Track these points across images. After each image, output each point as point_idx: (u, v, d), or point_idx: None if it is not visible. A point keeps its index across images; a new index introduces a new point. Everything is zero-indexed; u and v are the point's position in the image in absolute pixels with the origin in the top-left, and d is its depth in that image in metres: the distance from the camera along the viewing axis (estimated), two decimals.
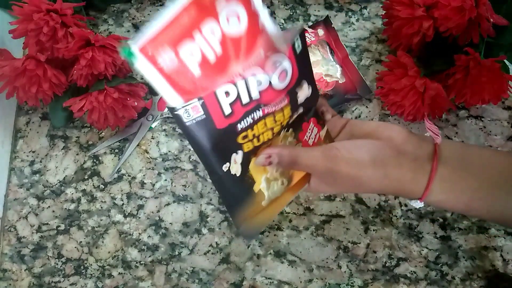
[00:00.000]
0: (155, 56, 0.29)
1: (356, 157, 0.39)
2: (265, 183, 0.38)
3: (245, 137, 0.35)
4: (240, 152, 0.36)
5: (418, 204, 0.40)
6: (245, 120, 0.34)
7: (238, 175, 0.36)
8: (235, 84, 0.32)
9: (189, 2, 0.29)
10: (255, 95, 0.33)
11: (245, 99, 0.33)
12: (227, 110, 0.32)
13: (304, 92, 0.36)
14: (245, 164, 0.36)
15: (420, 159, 0.40)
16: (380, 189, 0.40)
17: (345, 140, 0.41)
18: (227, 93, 0.32)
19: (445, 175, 0.39)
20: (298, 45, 0.34)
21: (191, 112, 0.31)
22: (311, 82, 0.37)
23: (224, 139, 0.34)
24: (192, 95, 0.31)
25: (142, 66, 0.29)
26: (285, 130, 0.38)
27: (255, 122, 0.35)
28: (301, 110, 0.38)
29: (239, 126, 0.34)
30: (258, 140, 0.36)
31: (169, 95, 0.30)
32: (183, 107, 0.31)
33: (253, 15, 0.31)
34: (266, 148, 0.37)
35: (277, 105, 0.35)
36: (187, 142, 0.60)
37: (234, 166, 0.36)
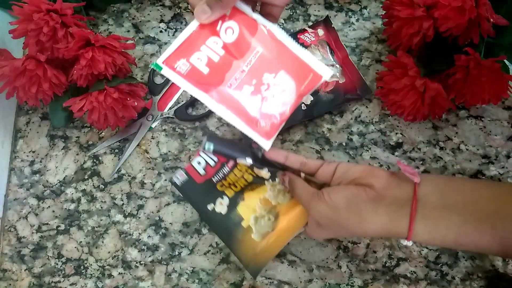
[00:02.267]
0: (173, 65, 0.42)
1: (333, 201, 0.42)
2: (253, 220, 0.49)
3: (222, 185, 0.50)
4: (225, 197, 0.50)
5: (407, 243, 0.41)
6: (216, 175, 0.50)
7: (223, 213, 0.49)
8: (201, 156, 0.51)
9: (196, 27, 0.42)
10: (215, 160, 0.51)
11: (211, 163, 0.51)
12: (201, 172, 0.51)
13: (243, 161, 0.48)
14: (232, 205, 0.49)
15: (399, 201, 0.41)
16: (362, 232, 0.43)
17: (330, 187, 0.45)
18: (199, 163, 0.51)
19: (427, 214, 0.40)
20: (209, 147, 0.47)
21: (180, 177, 0.51)
22: (243, 155, 0.48)
23: (206, 189, 0.50)
24: (208, 86, 0.42)
25: (166, 73, 0.42)
26: (273, 180, 0.50)
27: (226, 174, 0.50)
28: (264, 167, 0.49)
29: (214, 179, 0.50)
30: (236, 186, 0.50)
31: (190, 90, 0.42)
32: (174, 177, 0.51)
33: (246, 23, 0.43)
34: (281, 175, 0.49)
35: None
36: (187, 142, 0.60)
37: (219, 206, 0.50)
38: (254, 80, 0.43)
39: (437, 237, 0.40)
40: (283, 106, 0.44)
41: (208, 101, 0.42)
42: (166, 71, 0.42)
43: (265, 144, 0.44)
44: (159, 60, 0.42)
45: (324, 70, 0.45)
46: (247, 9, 0.43)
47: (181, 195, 0.55)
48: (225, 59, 0.43)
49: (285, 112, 0.44)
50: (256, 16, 0.44)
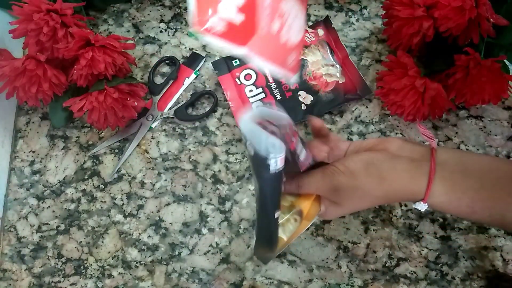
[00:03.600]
0: (207, 25, 0.33)
1: (350, 167, 0.41)
2: (280, 228, 0.43)
3: None
4: None
5: (422, 206, 0.40)
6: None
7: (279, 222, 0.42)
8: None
9: None
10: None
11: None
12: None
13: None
14: None
15: (416, 160, 0.40)
16: (383, 195, 0.41)
17: (341, 159, 0.44)
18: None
19: (445, 176, 0.40)
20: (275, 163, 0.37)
21: (279, 163, 0.36)
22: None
23: (281, 191, 0.40)
24: (247, 39, 0.34)
25: (203, 37, 0.34)
26: None
27: None
28: None
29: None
30: None
31: (233, 49, 0.34)
32: (274, 158, 0.36)
33: None
34: None
35: None
36: (187, 142, 0.60)
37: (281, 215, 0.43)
38: (276, 14, 0.37)
39: (453, 200, 0.40)
40: (300, 33, 0.40)
41: (251, 56, 0.35)
42: (207, 38, 0.34)
43: (293, 79, 0.40)
44: (192, 27, 0.34)
45: None
46: None
47: (261, 185, 0.38)
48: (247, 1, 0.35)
49: (302, 39, 0.40)
50: None
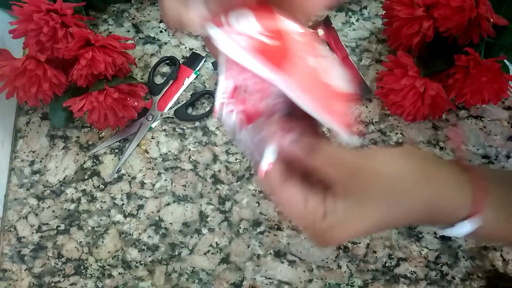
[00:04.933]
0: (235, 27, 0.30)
1: (392, 155, 0.32)
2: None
3: None
4: None
5: (463, 228, 0.31)
6: None
7: None
8: None
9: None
10: None
11: None
12: None
13: None
14: None
15: (450, 165, 0.32)
16: (423, 202, 0.31)
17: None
18: None
19: (487, 185, 0.31)
20: None
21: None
22: None
23: None
24: (280, 61, 0.30)
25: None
26: None
27: None
28: None
29: None
30: None
31: (264, 71, 0.31)
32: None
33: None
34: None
35: None
36: (187, 142, 0.60)
37: None
38: (311, 50, 0.32)
39: (502, 218, 0.31)
40: (345, 82, 0.33)
41: (286, 85, 0.30)
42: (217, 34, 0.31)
43: (348, 137, 0.32)
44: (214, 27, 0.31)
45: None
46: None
47: None
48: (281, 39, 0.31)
49: (351, 94, 0.33)
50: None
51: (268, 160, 0.32)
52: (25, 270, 0.56)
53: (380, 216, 0.30)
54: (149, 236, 0.57)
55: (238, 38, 0.30)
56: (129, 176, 0.59)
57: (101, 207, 0.58)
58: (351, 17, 0.65)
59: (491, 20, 0.51)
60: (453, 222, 0.31)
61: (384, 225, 0.32)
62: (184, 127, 0.61)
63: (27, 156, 0.61)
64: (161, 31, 0.65)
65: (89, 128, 0.61)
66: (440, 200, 0.31)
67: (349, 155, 0.31)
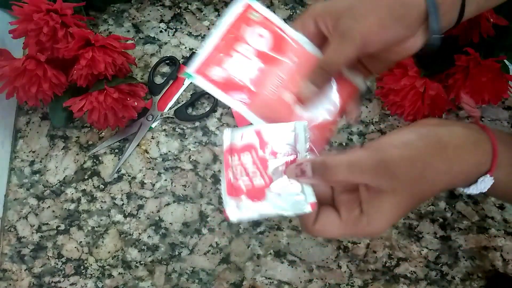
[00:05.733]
0: (207, 72, 0.38)
1: (402, 139, 0.33)
2: None
3: None
4: None
5: (486, 182, 0.33)
6: None
7: None
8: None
9: (222, 35, 0.39)
10: None
11: None
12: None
13: None
14: None
15: (471, 127, 0.34)
16: (447, 168, 0.32)
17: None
18: None
19: (508, 142, 0.33)
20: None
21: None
22: None
23: None
24: (246, 96, 0.38)
25: (200, 82, 0.38)
26: None
27: None
28: None
29: None
30: None
31: (224, 99, 0.38)
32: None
33: (274, 31, 0.40)
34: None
35: None
36: (187, 142, 0.60)
37: None
38: (291, 89, 0.39)
39: None
40: (326, 114, 0.40)
41: (247, 113, 0.38)
42: (200, 81, 0.38)
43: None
44: (191, 69, 0.38)
45: (358, 81, 0.40)
46: (275, 17, 0.40)
47: None
48: (260, 66, 0.39)
49: (329, 122, 0.40)
50: (285, 27, 0.40)
51: (310, 200, 0.34)
52: (25, 270, 0.56)
53: (411, 195, 0.32)
54: (149, 236, 0.57)
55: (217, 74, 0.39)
56: (129, 176, 0.59)
57: (101, 207, 0.58)
58: None
59: (491, 20, 0.51)
60: (476, 178, 0.33)
61: (417, 201, 0.33)
62: (184, 127, 0.61)
63: (27, 156, 0.61)
64: (161, 31, 0.65)
65: (89, 128, 0.61)
66: (461, 162, 0.32)
67: (364, 155, 0.32)
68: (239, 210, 0.34)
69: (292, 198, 0.34)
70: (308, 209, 0.33)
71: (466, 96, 0.38)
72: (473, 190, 0.34)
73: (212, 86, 0.38)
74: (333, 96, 0.40)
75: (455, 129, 0.33)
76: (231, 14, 0.39)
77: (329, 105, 0.40)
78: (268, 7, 0.65)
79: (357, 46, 0.35)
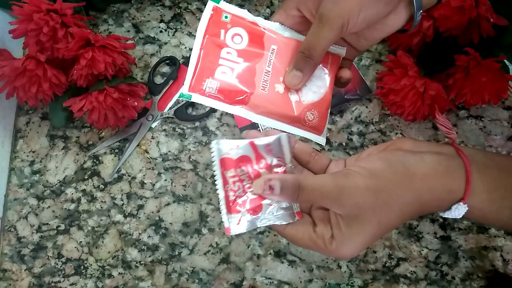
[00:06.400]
0: (201, 88, 0.40)
1: (368, 167, 0.33)
2: None
3: None
4: None
5: (460, 210, 0.33)
6: None
7: None
8: None
9: (201, 46, 0.41)
10: None
11: None
12: None
13: None
14: None
15: (443, 154, 0.34)
16: (415, 198, 0.32)
17: (351, 164, 0.37)
18: None
19: (481, 170, 0.33)
20: None
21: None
22: None
23: None
24: (242, 97, 0.40)
25: (198, 99, 0.40)
26: None
27: None
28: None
29: None
30: None
31: (226, 108, 0.40)
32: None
33: (249, 27, 0.42)
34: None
35: None
36: (187, 142, 0.60)
37: None
38: (281, 78, 0.41)
39: (496, 200, 0.33)
40: (319, 91, 0.41)
41: (248, 114, 0.40)
42: (197, 98, 0.40)
43: (320, 140, 0.41)
44: (184, 90, 0.40)
45: (339, 49, 0.42)
46: (245, 13, 0.42)
47: None
48: (246, 65, 0.41)
49: (325, 98, 0.41)
50: (257, 19, 0.42)
51: (296, 209, 0.37)
52: (25, 270, 0.56)
53: (378, 223, 0.33)
54: (149, 236, 0.57)
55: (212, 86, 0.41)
56: (129, 176, 0.59)
57: (101, 207, 0.58)
58: None
59: (491, 20, 0.51)
60: (450, 206, 0.33)
61: (385, 229, 0.34)
62: (184, 127, 0.61)
63: (27, 156, 0.61)
64: (161, 31, 0.65)
65: (89, 128, 0.61)
66: (430, 191, 0.32)
67: (329, 181, 0.33)
68: (239, 225, 0.36)
69: (282, 208, 0.36)
70: (296, 218, 0.36)
71: (441, 117, 0.36)
72: (448, 215, 0.34)
73: (209, 99, 0.40)
74: (323, 72, 0.42)
75: (426, 157, 0.33)
76: (203, 20, 0.41)
77: (320, 82, 0.42)
78: (267, 7, 0.65)
79: (338, 28, 0.36)
